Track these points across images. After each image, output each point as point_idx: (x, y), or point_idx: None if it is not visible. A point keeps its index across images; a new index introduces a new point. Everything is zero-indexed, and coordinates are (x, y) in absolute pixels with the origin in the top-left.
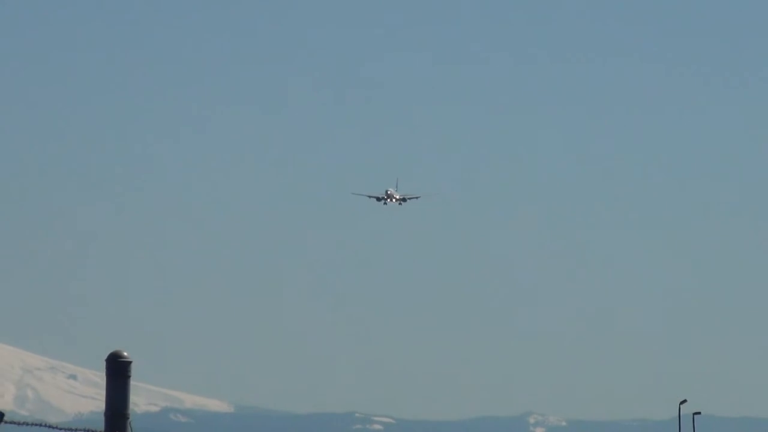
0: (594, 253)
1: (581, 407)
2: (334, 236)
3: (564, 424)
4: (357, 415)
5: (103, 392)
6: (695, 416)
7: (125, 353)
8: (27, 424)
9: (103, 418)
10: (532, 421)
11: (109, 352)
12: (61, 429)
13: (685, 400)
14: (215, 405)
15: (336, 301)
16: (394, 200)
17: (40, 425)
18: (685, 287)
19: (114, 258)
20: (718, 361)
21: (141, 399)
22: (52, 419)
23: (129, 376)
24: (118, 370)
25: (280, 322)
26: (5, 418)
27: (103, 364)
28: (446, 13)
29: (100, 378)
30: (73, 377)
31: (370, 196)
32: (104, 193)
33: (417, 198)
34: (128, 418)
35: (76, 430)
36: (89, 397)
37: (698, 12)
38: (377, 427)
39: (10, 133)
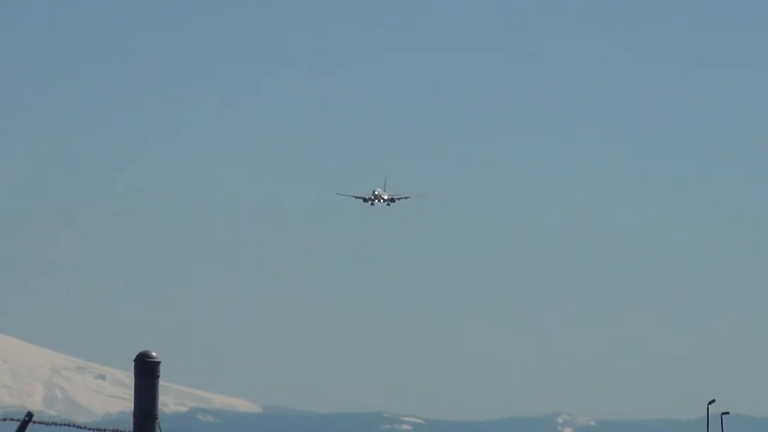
0: (610, 251)
1: (609, 407)
2: (346, 236)
3: (593, 424)
4: (385, 415)
5: (132, 392)
6: (723, 416)
7: (154, 353)
8: (56, 425)
9: (131, 418)
10: (560, 421)
11: (137, 352)
12: (89, 429)
13: (713, 400)
14: (243, 405)
15: (363, 301)
16: (381, 201)
17: (69, 425)
18: (713, 286)
19: (143, 258)
20: (748, 360)
21: (169, 399)
22: (81, 419)
23: (158, 377)
24: (146, 370)
25: (309, 322)
26: (34, 419)
27: (132, 364)
28: (434, 11)
29: (128, 378)
30: (102, 377)
31: (356, 197)
32: (132, 194)
33: (406, 198)
34: (157, 418)
35: (104, 430)
36: (118, 397)
37: (699, 10)
38: (406, 427)
39: (39, 135)
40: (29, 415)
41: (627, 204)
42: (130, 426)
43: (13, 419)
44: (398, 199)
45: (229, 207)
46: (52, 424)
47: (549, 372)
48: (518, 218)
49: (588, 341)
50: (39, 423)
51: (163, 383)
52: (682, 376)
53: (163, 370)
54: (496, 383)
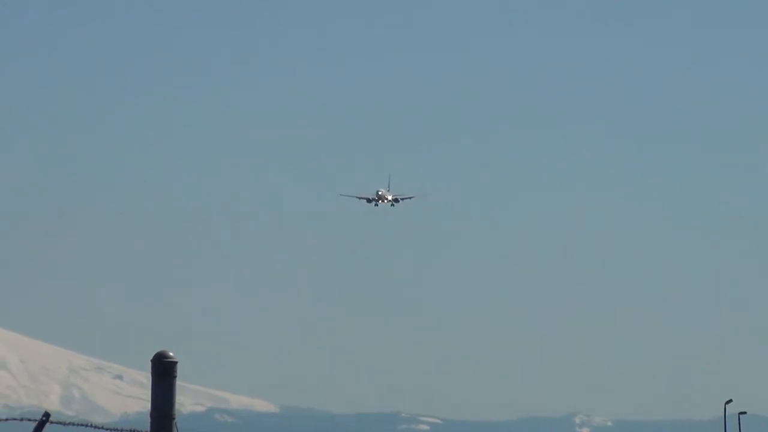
0: (623, 250)
1: (627, 407)
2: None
3: (609, 424)
4: (403, 415)
5: (149, 392)
6: (741, 416)
7: (171, 353)
8: (73, 425)
9: (148, 418)
10: (577, 421)
11: (154, 352)
12: (106, 429)
13: (730, 400)
14: (261, 405)
15: (379, 302)
16: (385, 201)
17: (86, 425)
18: (731, 285)
19: (159, 258)
20: (765, 360)
21: (187, 399)
22: (98, 420)
23: (175, 377)
24: (163, 371)
25: (326, 322)
26: (51, 419)
27: (149, 365)
28: (438, 10)
29: (145, 378)
30: (119, 377)
31: (359, 198)
32: (148, 193)
33: (410, 198)
34: (174, 418)
35: (121, 430)
36: (135, 397)
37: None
38: (423, 427)
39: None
40: (46, 415)
41: (637, 202)
42: (148, 426)
43: (30, 419)
44: (402, 199)
45: (239, 208)
46: (69, 424)
47: (566, 372)
48: (528, 216)
49: (605, 341)
50: (56, 423)
51: (180, 383)
52: (699, 376)
53: (180, 370)
54: (514, 383)
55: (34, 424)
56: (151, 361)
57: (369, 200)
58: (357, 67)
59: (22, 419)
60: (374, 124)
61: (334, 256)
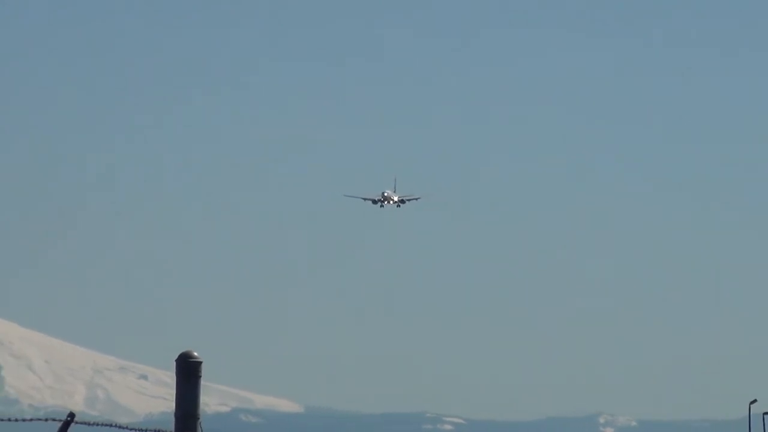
0: (647, 249)
1: (651, 407)
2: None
3: (634, 424)
4: (427, 415)
5: (174, 392)
6: (765, 416)
7: (196, 353)
8: (97, 425)
9: (173, 418)
10: (601, 421)
11: (179, 352)
12: (131, 429)
13: (755, 400)
14: (285, 405)
15: (404, 302)
16: (391, 202)
17: (111, 426)
18: (754, 284)
19: (184, 258)
20: None
21: (211, 399)
22: (123, 420)
23: (199, 377)
24: (188, 371)
25: (350, 322)
26: (76, 419)
27: (174, 365)
28: (445, 11)
29: (170, 378)
30: (144, 377)
31: (365, 199)
32: (172, 193)
33: (417, 199)
34: (198, 418)
35: (146, 430)
36: (159, 397)
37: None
38: (447, 427)
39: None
40: (71, 415)
41: (661, 195)
42: (172, 426)
43: (54, 419)
44: (408, 200)
45: (252, 210)
46: (93, 424)
47: (590, 372)
48: (541, 216)
49: (629, 341)
50: (81, 423)
51: (204, 383)
52: (724, 376)
53: (204, 371)
54: (537, 383)
55: (58, 425)
56: (176, 361)
57: (374, 201)
58: (362, 67)
59: (46, 419)
60: (380, 125)
61: (354, 256)
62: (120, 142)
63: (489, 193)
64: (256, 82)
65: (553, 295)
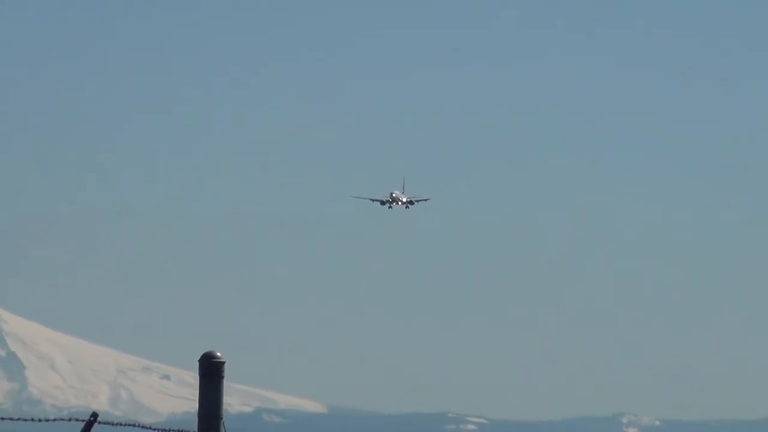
0: (669, 251)
1: (675, 407)
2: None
3: (657, 423)
4: (450, 415)
5: (197, 392)
6: None
7: (218, 353)
8: (121, 425)
9: (196, 418)
10: (625, 421)
11: (202, 353)
12: (154, 429)
13: None
14: (309, 405)
15: (429, 302)
16: (400, 203)
17: (134, 426)
18: None
19: (207, 258)
20: None
21: (234, 399)
22: (146, 420)
23: (222, 377)
24: (211, 371)
25: (373, 322)
26: (99, 419)
27: (197, 365)
28: (453, 11)
29: (193, 378)
30: (167, 377)
31: (373, 200)
32: (194, 194)
33: (426, 200)
34: (221, 418)
35: (169, 430)
36: (182, 397)
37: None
38: (471, 427)
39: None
40: (94, 415)
41: (681, 195)
42: (195, 426)
43: (78, 419)
44: (417, 201)
45: (267, 212)
46: (117, 424)
47: (613, 372)
48: (551, 216)
49: (652, 341)
50: (104, 423)
51: (227, 383)
52: (747, 376)
53: (227, 371)
54: (561, 383)
55: (82, 425)
56: (199, 361)
57: (383, 202)
58: (369, 67)
59: (70, 419)
60: (388, 125)
61: (376, 257)
62: (127, 143)
63: (501, 193)
64: (263, 81)
65: (578, 295)
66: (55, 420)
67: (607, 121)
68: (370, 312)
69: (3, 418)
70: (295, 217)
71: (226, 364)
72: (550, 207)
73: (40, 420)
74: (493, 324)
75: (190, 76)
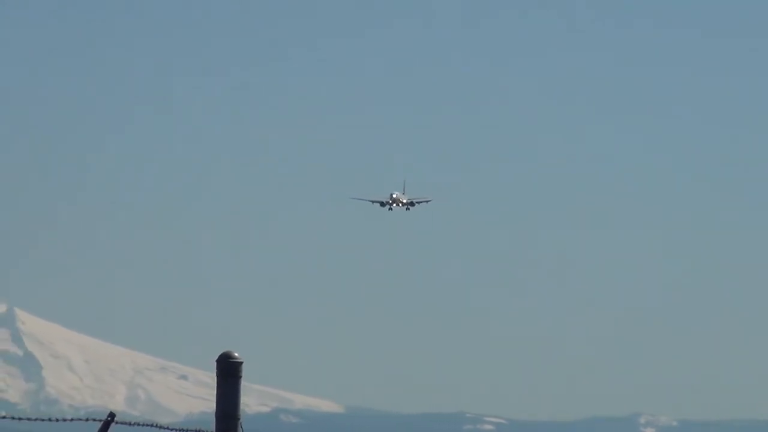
0: (686, 251)
1: (692, 407)
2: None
3: (675, 424)
4: (467, 415)
5: (214, 392)
6: None
7: (236, 354)
8: (138, 425)
9: (213, 418)
10: (642, 421)
11: (219, 353)
12: (171, 430)
13: None
14: (326, 405)
15: (446, 303)
16: (400, 205)
17: (151, 426)
18: None
19: (225, 258)
20: None
21: (251, 399)
22: (163, 420)
23: (240, 377)
24: (228, 371)
25: (389, 322)
26: (116, 419)
27: (214, 365)
28: (453, 13)
29: (210, 378)
30: (184, 377)
31: (373, 201)
32: (209, 194)
33: (428, 202)
34: (239, 419)
35: (187, 430)
36: (200, 397)
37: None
38: (488, 427)
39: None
40: (111, 415)
41: (682, 192)
42: (212, 426)
43: (95, 419)
44: (418, 202)
45: (276, 212)
46: (134, 424)
47: (631, 372)
48: (557, 216)
49: (670, 341)
50: (121, 423)
51: (245, 384)
52: (766, 376)
53: (245, 371)
54: (578, 383)
55: (99, 425)
56: (216, 361)
57: (383, 204)
58: (369, 68)
59: (87, 419)
60: (388, 126)
61: (391, 258)
62: (128, 144)
63: (505, 193)
64: (256, 83)
65: (596, 296)
66: (72, 420)
67: (606, 121)
68: (387, 312)
69: (21, 418)
70: (303, 218)
71: (243, 364)
72: (550, 207)
73: (57, 420)
74: (510, 324)
75: (188, 77)
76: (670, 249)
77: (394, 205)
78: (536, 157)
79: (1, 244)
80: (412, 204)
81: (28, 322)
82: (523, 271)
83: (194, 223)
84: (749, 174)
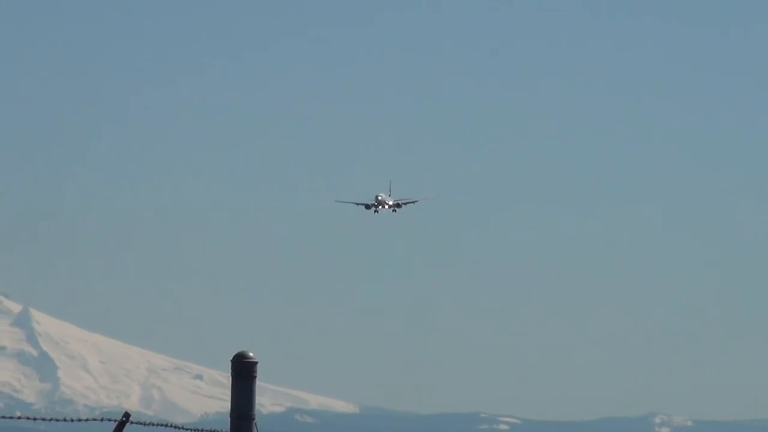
0: (698, 252)
1: (707, 407)
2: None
3: (689, 424)
4: (482, 415)
5: (229, 392)
6: None
7: (251, 354)
8: (153, 425)
9: (228, 418)
10: (657, 421)
11: (234, 353)
12: (186, 429)
13: None
14: (340, 406)
15: (458, 303)
16: (386, 207)
17: (166, 426)
18: None
19: (240, 259)
20: None
21: (266, 399)
22: (178, 420)
23: (255, 377)
24: (243, 371)
25: (404, 323)
26: (131, 419)
27: (229, 365)
28: (444, 14)
29: (225, 378)
30: (199, 377)
31: (357, 204)
32: (226, 196)
33: (414, 203)
34: (254, 419)
35: (202, 430)
36: (215, 397)
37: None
38: (503, 427)
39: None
40: (126, 415)
41: (690, 193)
42: (227, 426)
43: (110, 419)
44: (405, 203)
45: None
46: (149, 424)
47: (645, 372)
48: (558, 216)
49: (685, 341)
50: (136, 423)
51: (260, 384)
52: None
53: (260, 371)
54: (593, 383)
55: (114, 425)
56: (231, 361)
57: (368, 206)
58: (358, 68)
59: (102, 419)
60: (374, 127)
61: (406, 258)
62: (130, 144)
63: (505, 193)
64: (248, 83)
65: (610, 297)
66: (87, 420)
67: (606, 121)
68: (402, 314)
69: (36, 418)
70: (310, 219)
71: (258, 364)
72: (552, 207)
73: (72, 420)
74: (526, 325)
75: (187, 77)
76: (686, 250)
77: (380, 207)
78: (527, 156)
79: (17, 245)
80: (398, 205)
81: (44, 322)
82: (538, 272)
83: (209, 225)
84: (763, 172)
